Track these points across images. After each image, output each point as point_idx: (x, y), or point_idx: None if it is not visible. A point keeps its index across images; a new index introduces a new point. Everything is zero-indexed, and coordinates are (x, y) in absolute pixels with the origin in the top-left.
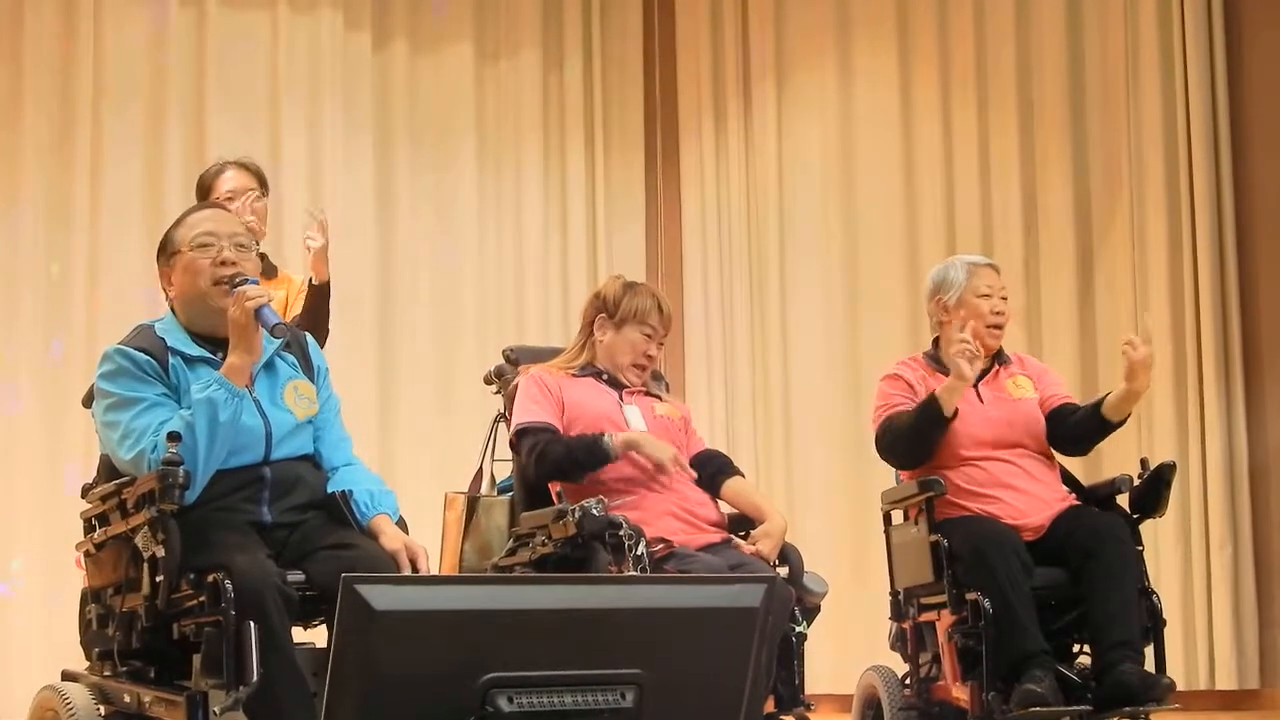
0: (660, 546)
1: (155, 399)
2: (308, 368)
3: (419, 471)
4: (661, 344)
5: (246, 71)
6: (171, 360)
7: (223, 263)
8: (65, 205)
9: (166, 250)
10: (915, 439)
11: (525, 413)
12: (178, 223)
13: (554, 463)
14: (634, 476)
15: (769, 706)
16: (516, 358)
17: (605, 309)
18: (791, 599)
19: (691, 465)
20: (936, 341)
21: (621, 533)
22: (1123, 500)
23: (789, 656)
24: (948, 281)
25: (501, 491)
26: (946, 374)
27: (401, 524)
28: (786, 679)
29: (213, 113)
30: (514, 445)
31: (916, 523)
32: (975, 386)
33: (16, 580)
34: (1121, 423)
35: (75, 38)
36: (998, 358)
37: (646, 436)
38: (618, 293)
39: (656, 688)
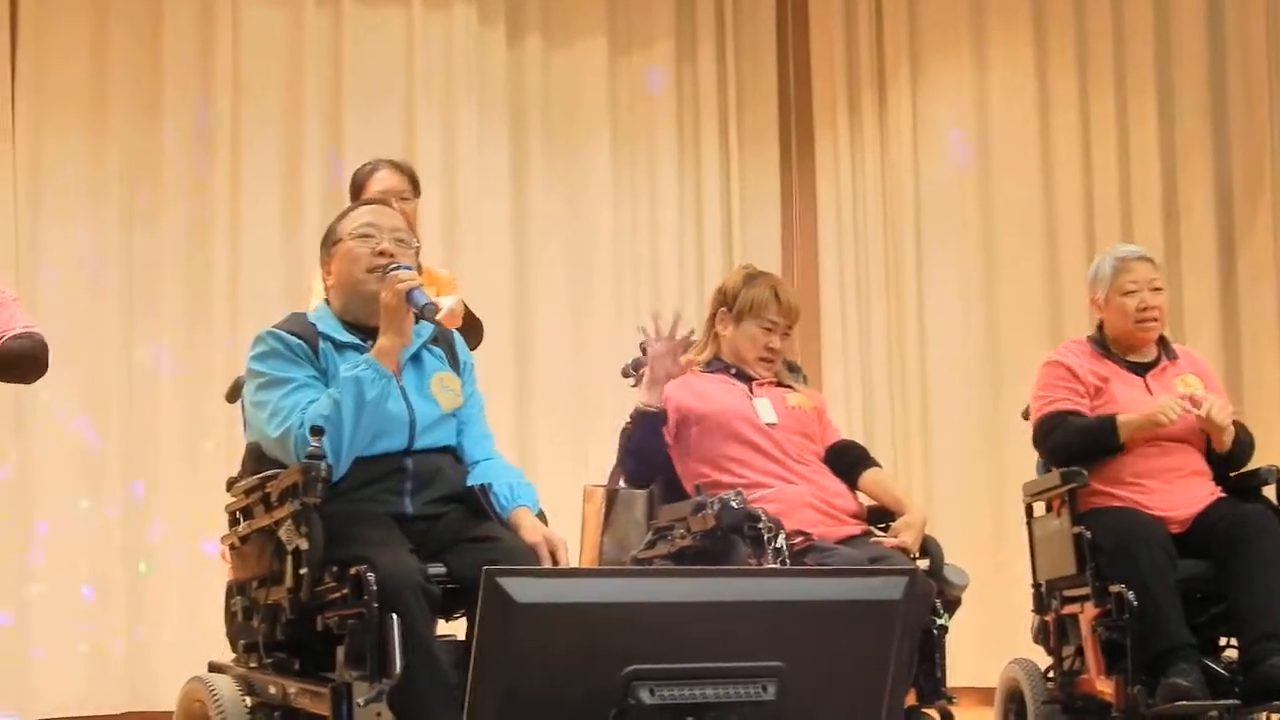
0: (800, 539)
1: (305, 380)
2: (454, 362)
3: (557, 465)
4: (786, 335)
5: (382, 68)
6: (322, 345)
7: (381, 253)
8: (205, 201)
9: (329, 240)
10: (1082, 454)
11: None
12: (342, 215)
13: (626, 452)
14: (773, 469)
15: (910, 699)
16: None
17: (725, 302)
18: (933, 592)
19: (827, 456)
20: (1101, 326)
21: (761, 525)
22: (1269, 491)
23: (930, 649)
24: (1098, 277)
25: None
26: (1111, 359)
27: (541, 517)
28: (928, 672)
29: (349, 109)
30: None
31: (1059, 514)
32: (1144, 377)
33: (163, 571)
34: (1233, 455)
35: (213, 37)
36: (1165, 352)
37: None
38: (736, 285)
39: (797, 680)
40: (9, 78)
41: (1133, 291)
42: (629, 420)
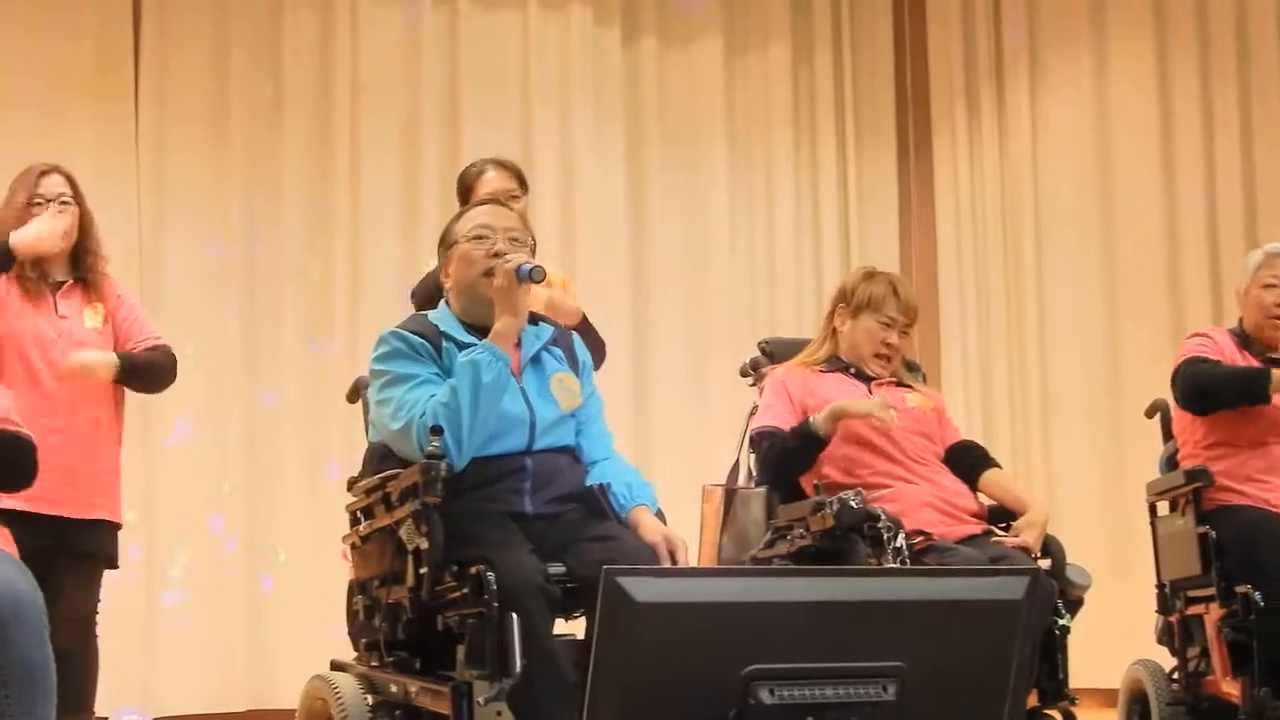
0: (919, 539)
1: (427, 376)
2: (573, 363)
3: (675, 465)
4: (905, 333)
5: (498, 70)
6: (444, 344)
7: (496, 254)
8: (325, 206)
9: (446, 242)
10: (1230, 393)
11: (759, 419)
12: (458, 216)
13: (773, 463)
14: (892, 469)
15: (1032, 701)
16: (772, 350)
17: (844, 298)
18: (1054, 592)
19: (947, 457)
20: (1242, 319)
21: (880, 525)
22: None
23: (1052, 650)
24: (1246, 268)
25: (759, 484)
26: (1250, 351)
27: (660, 516)
28: (1050, 673)
29: (466, 112)
30: (754, 449)
31: (1183, 514)
32: None
33: (283, 572)
34: None
35: (333, 40)
36: None
37: (849, 400)
38: (855, 281)
39: (918, 681)
40: (132, 88)
41: (1272, 285)
42: (785, 435)
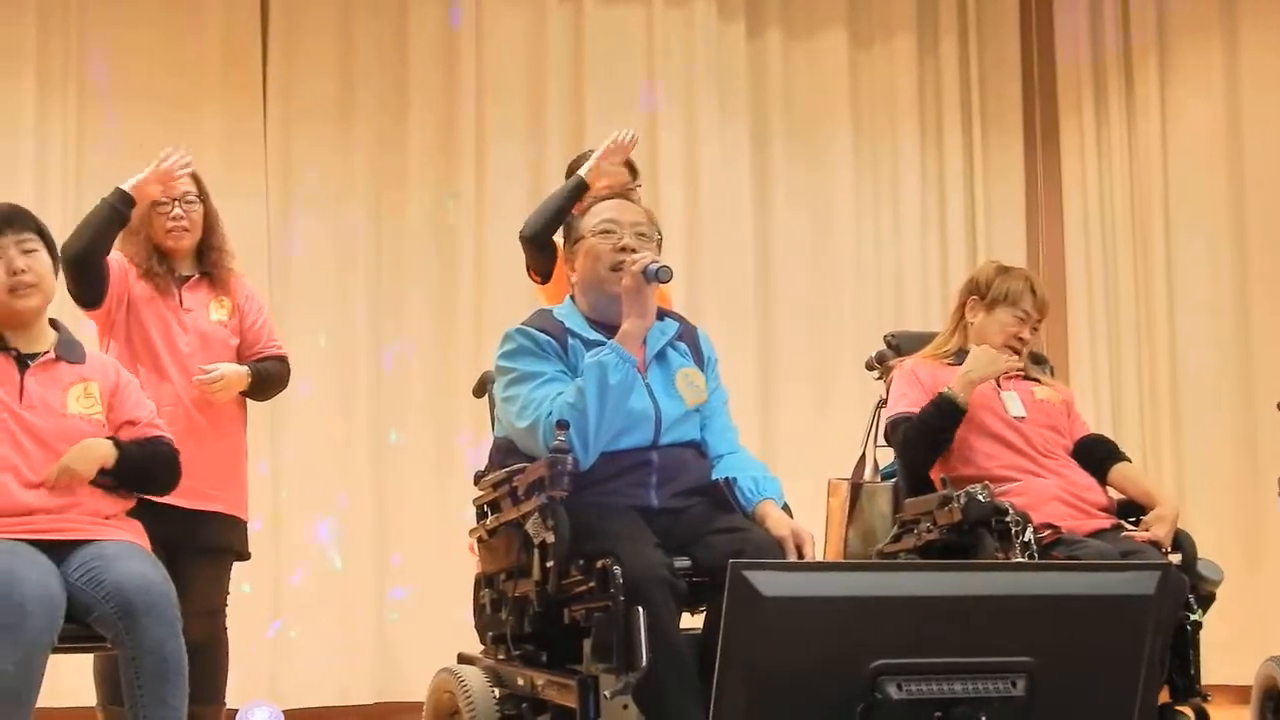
0: (1048, 532)
1: (554, 374)
2: (698, 358)
3: (801, 459)
4: (1036, 328)
5: (622, 65)
6: (570, 341)
7: (622, 249)
8: (449, 199)
9: (571, 238)
10: None
11: (893, 406)
12: (583, 211)
13: (913, 440)
14: (1020, 463)
15: (1164, 697)
16: (898, 343)
17: (977, 291)
18: (1185, 586)
19: (1076, 450)
20: None
21: (1008, 519)
22: None
23: (1183, 646)
24: None
25: (885, 478)
26: None
27: (786, 510)
28: (1181, 668)
29: (590, 107)
30: (888, 439)
31: None
32: None
33: (410, 565)
34: None
35: (458, 35)
36: None
37: (975, 363)
38: (990, 275)
39: (1047, 676)
40: (260, 84)
41: None
42: (924, 408)
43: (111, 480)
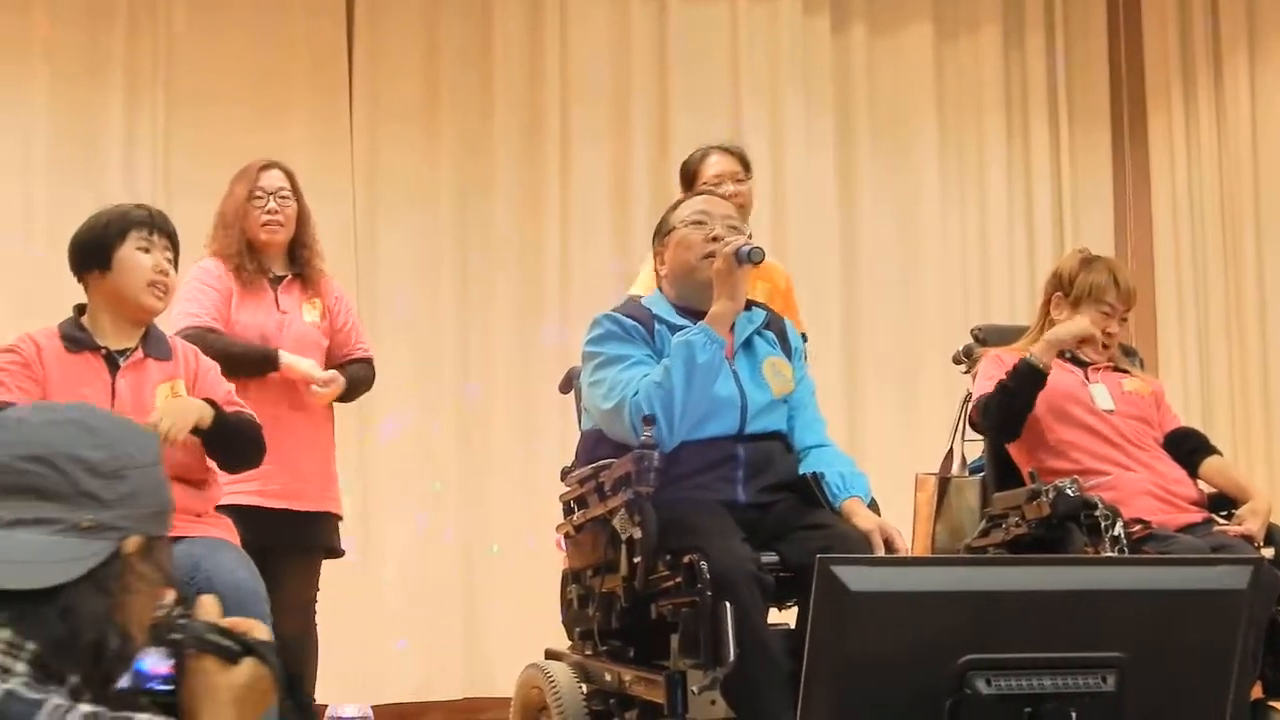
0: (1138, 527)
1: (640, 358)
2: (786, 347)
3: (888, 453)
4: (1124, 320)
5: (707, 61)
6: (657, 327)
7: (714, 239)
8: (535, 198)
9: (661, 231)
10: None
11: (980, 389)
12: (675, 205)
13: (994, 406)
14: (1110, 455)
15: (1256, 692)
16: (985, 336)
17: (1061, 287)
18: (1278, 581)
19: (1166, 443)
20: None
21: (1097, 513)
22: None
23: (1277, 642)
24: None
25: (973, 472)
26: None
27: (873, 506)
28: (1274, 664)
29: (675, 104)
30: (974, 422)
31: None
32: None
33: (497, 561)
34: None
35: (542, 34)
36: None
37: (1062, 328)
38: (1073, 269)
39: (1138, 672)
40: (346, 86)
41: None
42: (1005, 375)
43: (204, 443)
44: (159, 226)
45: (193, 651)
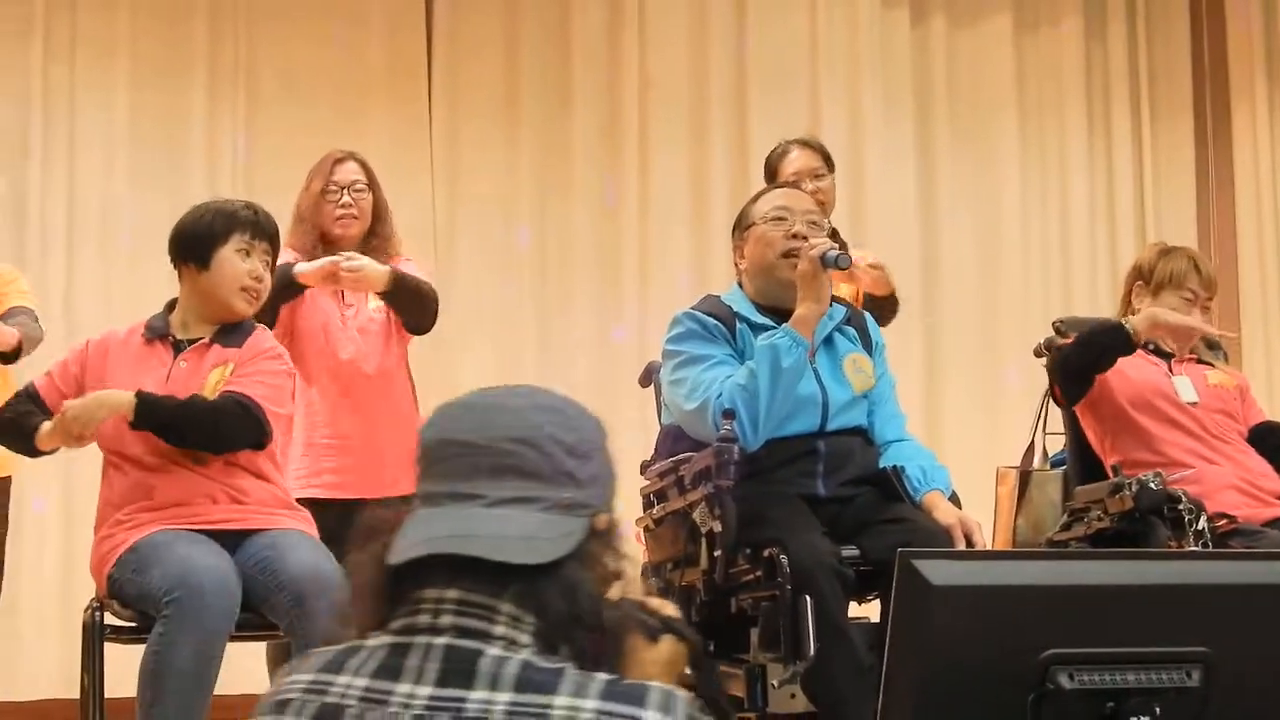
0: (1223, 521)
1: (722, 358)
2: (866, 343)
3: (968, 446)
4: (1206, 309)
5: (785, 54)
6: (739, 326)
7: (794, 236)
8: (614, 197)
9: (741, 225)
10: None
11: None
12: (754, 199)
13: (1072, 350)
14: (1194, 449)
15: None
16: (1066, 329)
17: (1141, 276)
18: None
19: (1251, 437)
20: None
21: (1181, 507)
22: None
23: None
24: None
25: (1055, 465)
26: None
27: (954, 500)
28: None
29: (753, 96)
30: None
31: None
32: None
33: None
34: None
35: (621, 34)
36: None
37: (1158, 311)
38: (1153, 259)
39: (1224, 667)
40: (425, 88)
41: None
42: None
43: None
44: (263, 230)
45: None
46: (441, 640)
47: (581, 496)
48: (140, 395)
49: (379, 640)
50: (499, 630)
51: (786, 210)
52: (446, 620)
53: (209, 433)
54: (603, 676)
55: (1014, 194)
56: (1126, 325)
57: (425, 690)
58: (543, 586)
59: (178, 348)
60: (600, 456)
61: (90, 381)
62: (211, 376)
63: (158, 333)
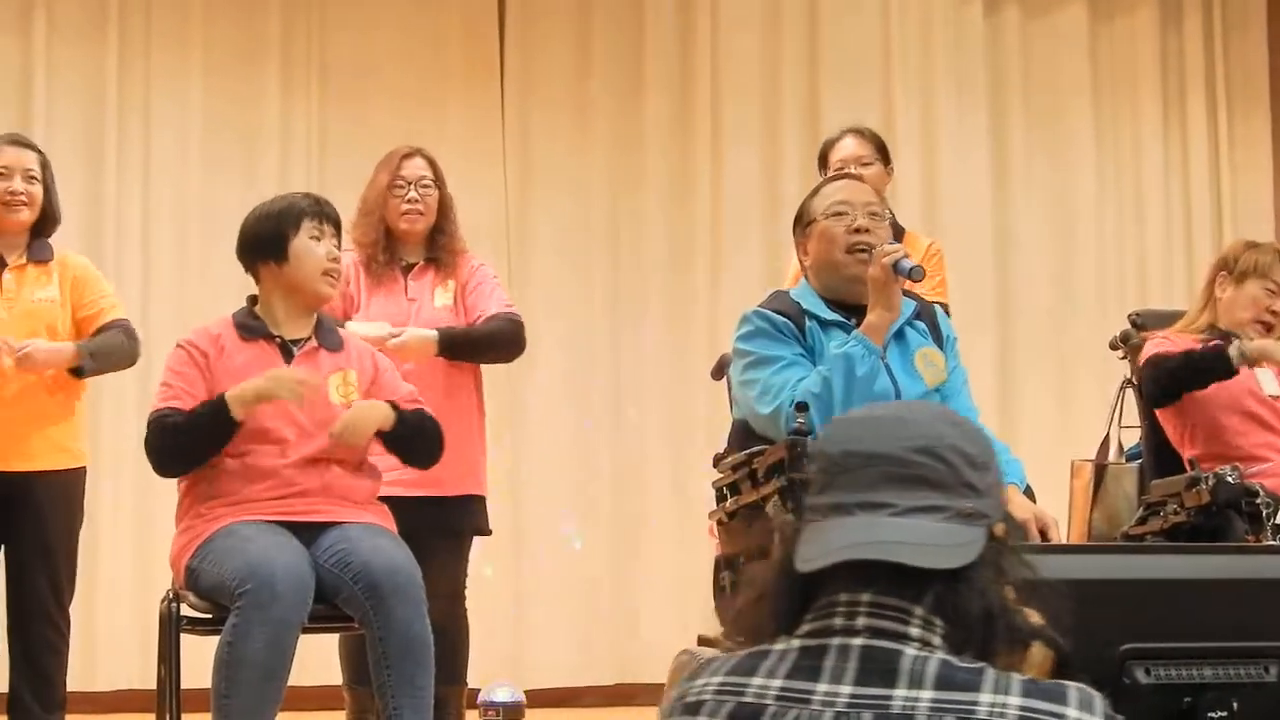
0: None
1: (793, 358)
2: (937, 337)
3: (1042, 440)
4: None
5: (858, 43)
6: (808, 324)
7: (856, 230)
8: (686, 188)
9: (802, 220)
10: None
11: (1150, 350)
12: (813, 193)
13: (1172, 368)
14: (1275, 443)
15: None
16: (1142, 321)
17: (1225, 266)
18: None
19: None
20: None
21: (1259, 501)
22: None
23: None
24: None
25: (1130, 459)
26: None
27: (1029, 493)
28: None
29: (825, 86)
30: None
31: None
32: None
33: (649, 547)
34: None
35: (694, 25)
36: None
37: (1270, 345)
38: (1238, 249)
39: None
40: (498, 77)
41: None
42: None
43: (385, 444)
44: (326, 214)
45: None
46: (858, 641)
47: (981, 506)
48: (396, 407)
49: (788, 644)
50: (914, 632)
51: (847, 204)
52: (861, 622)
53: (435, 447)
54: (1018, 676)
55: (1088, 185)
56: (1233, 355)
57: (846, 689)
58: (958, 591)
59: (285, 348)
60: (994, 468)
61: (215, 383)
62: (332, 382)
63: (257, 331)
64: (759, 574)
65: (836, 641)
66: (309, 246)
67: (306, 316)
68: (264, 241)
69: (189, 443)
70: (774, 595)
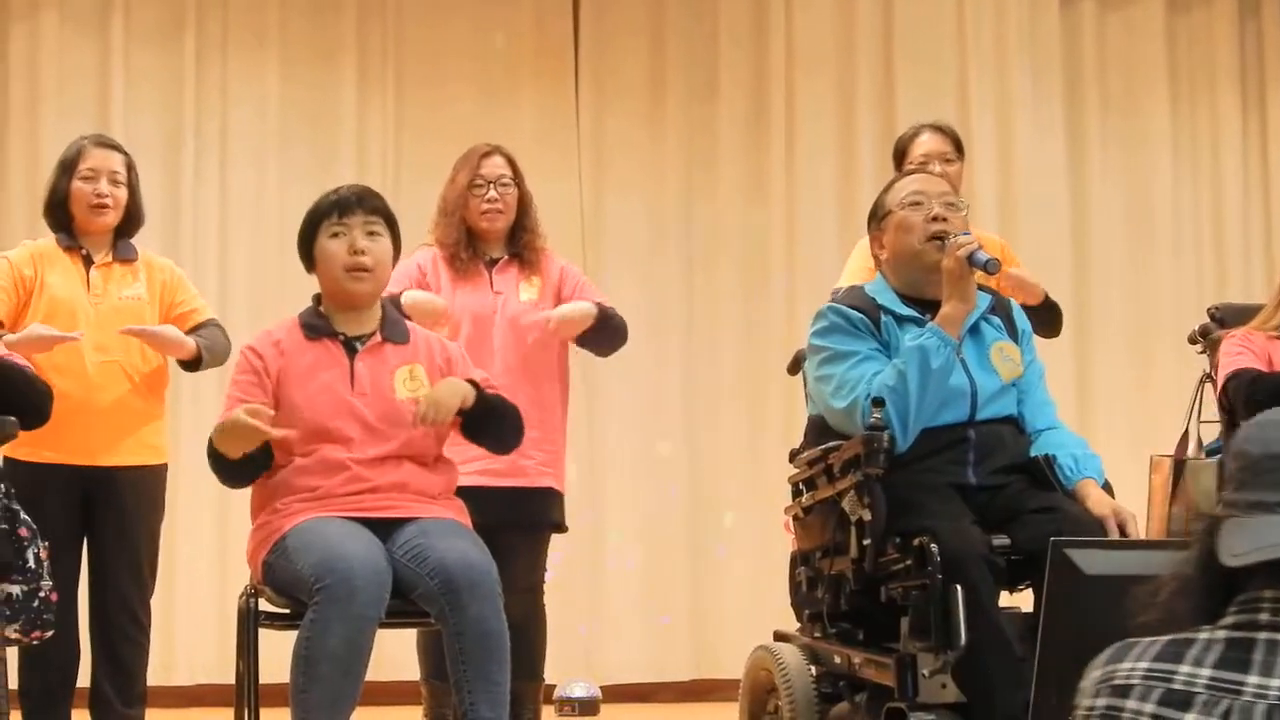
0: None
1: (868, 353)
2: (1012, 331)
3: (1120, 435)
4: None
5: (934, 37)
6: (883, 318)
7: (934, 219)
8: (760, 179)
9: (877, 214)
10: None
11: (1227, 365)
12: (887, 188)
13: (1264, 386)
14: None
15: None
16: (1221, 316)
17: None
18: None
19: None
20: None
21: None
22: None
23: None
24: None
25: (1210, 454)
26: None
27: (1107, 488)
28: None
29: (900, 80)
30: (1221, 399)
31: None
32: None
33: (725, 543)
34: None
35: (767, 15)
36: None
37: None
38: None
39: None
40: (572, 70)
41: None
42: None
43: (464, 427)
44: (349, 206)
45: None
46: None
47: None
48: (476, 385)
49: (1212, 634)
50: None
51: (922, 195)
52: None
53: (516, 432)
54: None
55: (1165, 176)
56: None
57: (1276, 682)
58: None
59: (348, 346)
60: None
61: (279, 386)
62: (398, 377)
63: (322, 331)
64: (1182, 565)
65: (1264, 636)
66: (329, 247)
67: (361, 313)
68: (300, 249)
69: (228, 469)
70: (1195, 586)
